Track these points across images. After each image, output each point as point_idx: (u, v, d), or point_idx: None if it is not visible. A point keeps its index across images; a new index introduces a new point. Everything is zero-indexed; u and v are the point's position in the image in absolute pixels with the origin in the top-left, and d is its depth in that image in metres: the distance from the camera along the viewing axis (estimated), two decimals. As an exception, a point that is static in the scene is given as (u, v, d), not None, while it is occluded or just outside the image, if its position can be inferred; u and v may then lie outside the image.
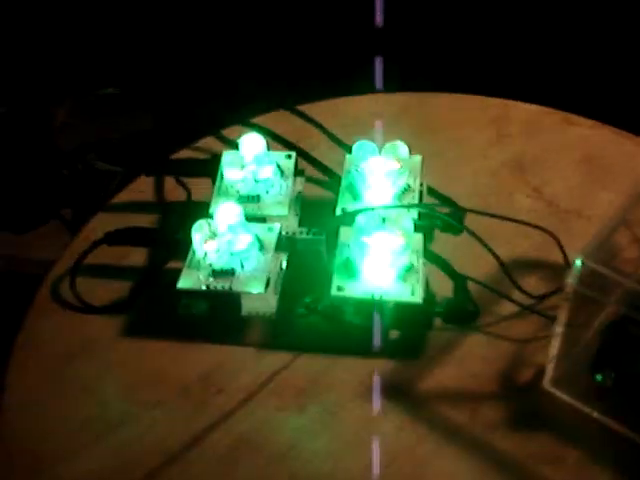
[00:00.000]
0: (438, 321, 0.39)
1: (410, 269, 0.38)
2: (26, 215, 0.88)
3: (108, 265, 0.46)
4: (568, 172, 0.51)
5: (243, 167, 0.43)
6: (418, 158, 0.45)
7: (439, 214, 0.42)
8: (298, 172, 0.46)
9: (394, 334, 0.41)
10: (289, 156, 0.45)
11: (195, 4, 1.08)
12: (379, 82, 0.64)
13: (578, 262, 0.32)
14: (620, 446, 0.36)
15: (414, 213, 0.42)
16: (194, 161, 0.52)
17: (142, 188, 0.51)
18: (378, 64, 0.64)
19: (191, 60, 1.04)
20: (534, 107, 0.57)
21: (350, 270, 0.38)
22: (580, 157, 0.52)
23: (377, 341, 0.39)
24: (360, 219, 0.39)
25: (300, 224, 0.45)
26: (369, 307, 0.38)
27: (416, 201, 0.42)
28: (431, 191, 0.47)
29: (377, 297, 0.37)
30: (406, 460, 0.36)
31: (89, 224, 0.49)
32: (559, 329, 0.35)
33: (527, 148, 0.53)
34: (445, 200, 0.47)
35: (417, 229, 0.41)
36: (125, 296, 0.43)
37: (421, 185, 0.44)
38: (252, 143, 0.43)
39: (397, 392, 0.39)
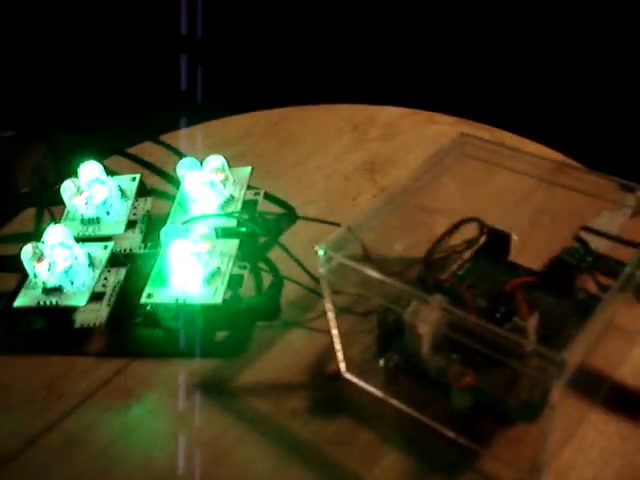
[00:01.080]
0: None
1: (216, 273, 0.42)
2: None
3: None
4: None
5: (81, 193, 0.47)
6: (247, 170, 0.48)
7: (245, 222, 0.45)
8: (147, 192, 0.50)
9: (222, 335, 0.44)
10: (133, 179, 0.50)
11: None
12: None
13: (320, 251, 0.35)
14: (409, 427, 0.38)
15: (234, 221, 0.45)
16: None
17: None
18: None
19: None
20: (399, 110, 0.59)
21: (162, 278, 0.42)
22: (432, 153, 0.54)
23: (189, 343, 0.43)
24: (164, 231, 0.42)
25: (146, 239, 0.49)
26: (184, 312, 0.42)
27: (238, 209, 0.46)
28: (273, 199, 0.50)
29: (181, 301, 0.41)
30: (211, 450, 0.39)
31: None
32: (330, 314, 0.38)
33: (382, 150, 0.55)
34: (284, 206, 0.50)
35: (234, 235, 0.44)
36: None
37: (257, 194, 0.48)
38: (87, 170, 0.47)
39: (214, 388, 0.42)
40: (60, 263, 0.42)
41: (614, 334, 0.41)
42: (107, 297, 0.44)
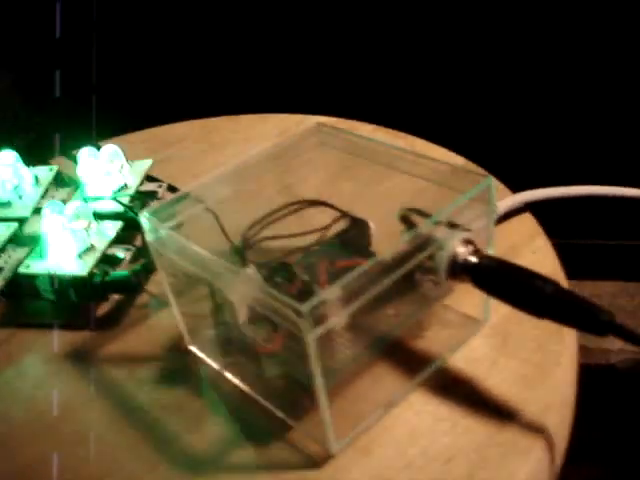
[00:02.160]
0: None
1: (89, 249, 0.45)
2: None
3: None
4: (321, 169, 0.55)
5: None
6: (148, 162, 0.52)
7: (122, 204, 0.48)
8: (66, 184, 0.54)
9: (105, 307, 0.47)
10: (51, 169, 0.54)
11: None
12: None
13: (145, 218, 0.37)
14: (237, 398, 0.39)
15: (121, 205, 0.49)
16: None
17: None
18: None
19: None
20: (326, 118, 0.62)
21: (42, 252, 0.45)
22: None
23: (67, 315, 0.46)
24: (46, 209, 0.46)
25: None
26: (57, 284, 0.45)
27: (128, 197, 0.49)
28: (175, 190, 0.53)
29: (52, 272, 0.44)
30: (60, 409, 0.41)
31: None
32: (166, 285, 0.40)
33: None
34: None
35: (117, 218, 0.47)
36: None
37: (160, 186, 0.51)
38: (3, 157, 0.51)
39: (80, 356, 0.44)
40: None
41: (453, 320, 0.41)
42: (5, 272, 0.47)
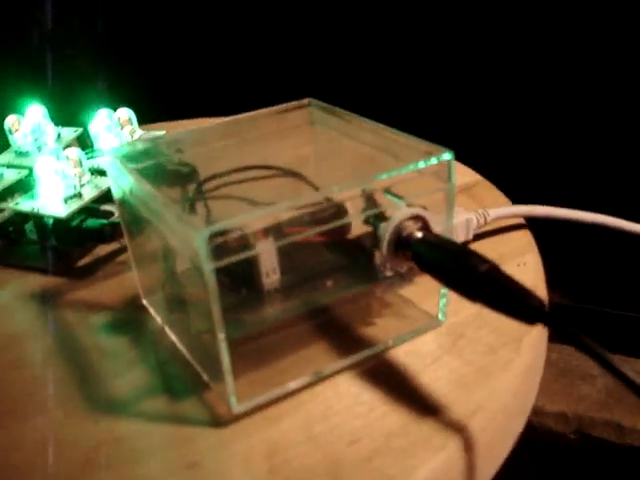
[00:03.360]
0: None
1: (76, 196, 0.46)
2: None
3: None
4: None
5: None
6: (161, 133, 0.53)
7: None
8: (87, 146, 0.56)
9: (87, 259, 0.48)
10: (75, 130, 0.56)
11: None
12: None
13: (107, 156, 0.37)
14: (171, 352, 0.38)
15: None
16: None
17: None
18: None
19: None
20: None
21: (34, 193, 0.47)
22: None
23: (46, 258, 0.46)
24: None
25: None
26: (39, 224, 0.46)
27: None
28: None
29: (35, 210, 0.45)
30: (16, 345, 0.41)
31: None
32: (125, 233, 0.40)
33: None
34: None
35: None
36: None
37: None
38: (32, 112, 0.54)
39: (47, 298, 0.45)
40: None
41: (407, 313, 0.38)
42: (3, 213, 0.49)
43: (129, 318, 0.42)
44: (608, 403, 0.84)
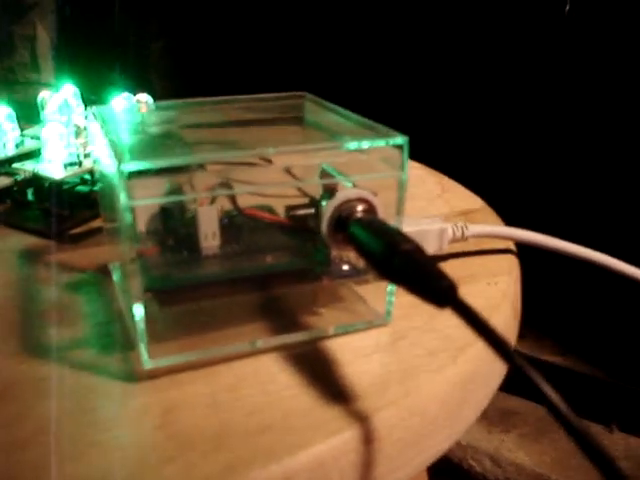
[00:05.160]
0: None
1: (76, 164, 0.47)
2: None
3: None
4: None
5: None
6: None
7: None
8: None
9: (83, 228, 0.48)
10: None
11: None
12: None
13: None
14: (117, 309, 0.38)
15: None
16: None
17: None
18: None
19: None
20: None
21: (40, 155, 0.49)
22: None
23: (44, 222, 0.47)
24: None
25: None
26: (40, 188, 0.48)
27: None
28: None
29: (35, 171, 0.47)
30: None
31: None
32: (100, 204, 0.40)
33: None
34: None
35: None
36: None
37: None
38: (65, 90, 0.57)
39: (25, 258, 0.46)
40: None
41: (353, 307, 0.37)
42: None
43: (96, 280, 0.42)
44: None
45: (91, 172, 0.47)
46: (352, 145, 0.32)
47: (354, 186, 0.33)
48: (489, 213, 0.49)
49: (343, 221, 0.32)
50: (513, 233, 0.41)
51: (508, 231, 0.41)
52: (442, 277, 0.26)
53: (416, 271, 0.27)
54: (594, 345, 0.94)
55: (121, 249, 0.37)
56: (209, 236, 0.33)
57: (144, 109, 0.51)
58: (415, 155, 0.59)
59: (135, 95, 0.54)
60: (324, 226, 0.32)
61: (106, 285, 0.41)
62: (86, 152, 0.48)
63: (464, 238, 0.40)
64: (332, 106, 0.41)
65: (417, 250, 0.28)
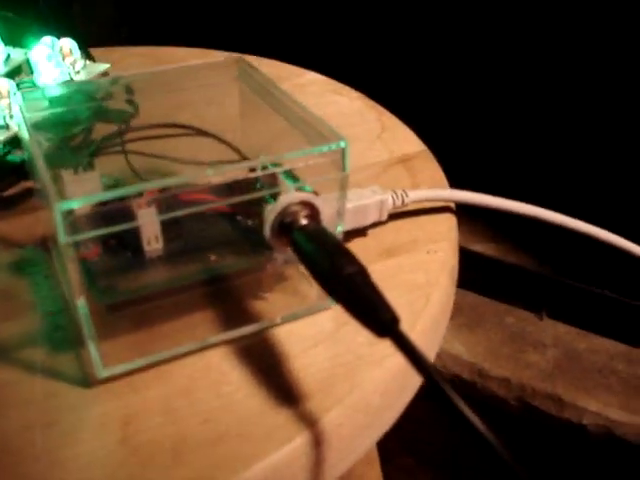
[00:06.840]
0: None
1: (3, 128, 0.45)
2: None
3: None
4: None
5: None
6: (104, 66, 0.51)
7: None
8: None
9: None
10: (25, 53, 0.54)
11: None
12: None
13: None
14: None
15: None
16: None
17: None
18: None
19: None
20: (318, 76, 0.59)
21: None
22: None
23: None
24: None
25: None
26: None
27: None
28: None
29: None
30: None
31: None
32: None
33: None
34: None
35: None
36: None
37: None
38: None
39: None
40: None
41: (300, 290, 0.38)
42: None
43: (37, 259, 0.42)
44: (554, 375, 0.84)
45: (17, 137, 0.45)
46: (291, 156, 0.31)
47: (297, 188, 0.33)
48: (428, 159, 0.49)
49: (286, 226, 0.32)
50: (452, 196, 0.42)
51: (447, 194, 0.42)
52: (385, 308, 0.27)
53: (359, 298, 0.28)
54: (525, 234, 0.98)
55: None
56: (152, 240, 0.33)
57: (69, 58, 0.48)
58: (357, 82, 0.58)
59: (59, 40, 0.50)
60: (267, 230, 0.32)
61: (49, 264, 0.41)
62: (11, 114, 0.45)
63: (404, 204, 0.41)
64: (266, 77, 0.40)
65: (361, 273, 0.29)
